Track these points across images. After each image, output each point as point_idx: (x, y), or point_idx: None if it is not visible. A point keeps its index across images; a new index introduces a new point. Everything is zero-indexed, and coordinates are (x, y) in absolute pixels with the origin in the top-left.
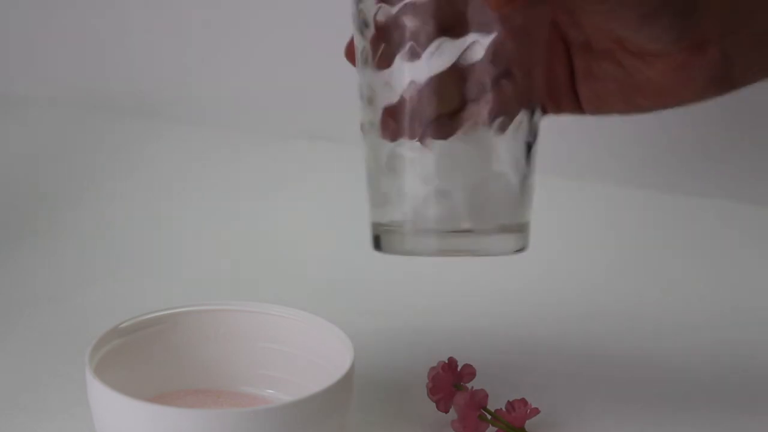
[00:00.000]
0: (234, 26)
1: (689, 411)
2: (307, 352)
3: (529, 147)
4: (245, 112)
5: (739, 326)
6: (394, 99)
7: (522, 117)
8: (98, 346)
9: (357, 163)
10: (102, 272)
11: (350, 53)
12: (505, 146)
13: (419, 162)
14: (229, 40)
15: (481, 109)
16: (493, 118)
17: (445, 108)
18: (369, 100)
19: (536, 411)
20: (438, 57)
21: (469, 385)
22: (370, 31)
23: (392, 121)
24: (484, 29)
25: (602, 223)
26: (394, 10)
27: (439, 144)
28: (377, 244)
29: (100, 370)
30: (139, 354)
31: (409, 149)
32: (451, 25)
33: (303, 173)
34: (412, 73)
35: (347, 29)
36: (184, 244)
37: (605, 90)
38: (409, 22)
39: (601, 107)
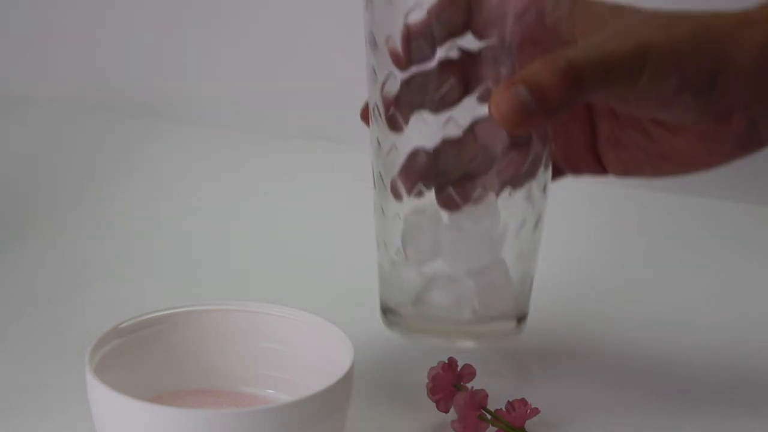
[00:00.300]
0: (234, 26)
1: (690, 411)
2: (307, 352)
3: (535, 226)
4: (245, 112)
5: (739, 326)
6: (399, 160)
7: (528, 188)
8: (98, 346)
9: (357, 163)
10: (102, 272)
11: (365, 116)
12: (510, 219)
13: (422, 237)
14: (229, 40)
15: (489, 179)
16: (500, 188)
17: (449, 174)
18: (379, 151)
19: (536, 411)
20: (443, 125)
21: (469, 385)
22: (382, 92)
23: (403, 182)
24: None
25: (603, 223)
26: (405, 76)
27: (443, 219)
28: (384, 321)
29: (100, 370)
30: (139, 354)
31: (414, 218)
32: (458, 94)
33: (303, 173)
34: (419, 138)
35: (347, 29)
36: (184, 244)
37: (631, 156)
38: (417, 89)
39: (626, 171)
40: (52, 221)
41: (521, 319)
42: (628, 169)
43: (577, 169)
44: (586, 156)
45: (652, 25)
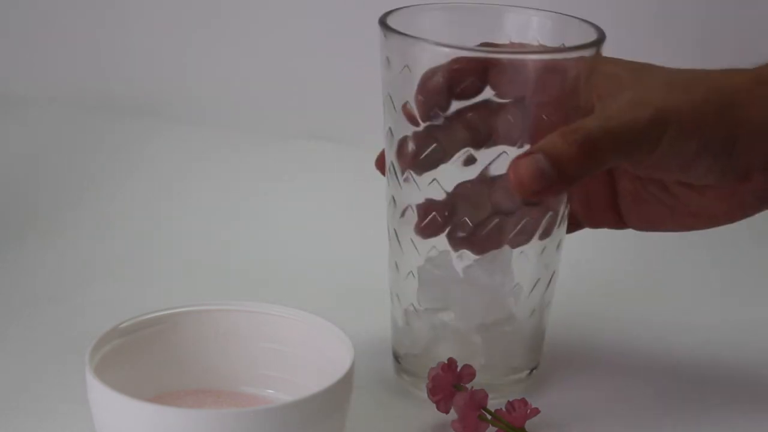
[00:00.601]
0: (234, 26)
1: (690, 411)
2: (307, 352)
3: (548, 283)
4: (245, 112)
5: (741, 327)
6: (414, 219)
7: (543, 246)
8: (98, 346)
9: (357, 163)
10: (102, 272)
11: (381, 165)
12: (522, 272)
13: (435, 286)
14: (229, 40)
15: (502, 232)
16: (514, 245)
17: (463, 230)
18: (394, 210)
19: (536, 411)
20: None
21: (468, 386)
22: (398, 153)
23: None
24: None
25: None
26: (420, 132)
27: (458, 272)
28: (395, 367)
29: (100, 370)
30: (139, 354)
31: (429, 266)
32: (473, 158)
33: (303, 173)
34: (431, 192)
35: (347, 30)
36: (184, 244)
37: (653, 212)
38: (432, 148)
39: (648, 226)
40: (52, 221)
41: (533, 369)
42: (650, 224)
43: (596, 223)
44: (605, 211)
45: (671, 88)
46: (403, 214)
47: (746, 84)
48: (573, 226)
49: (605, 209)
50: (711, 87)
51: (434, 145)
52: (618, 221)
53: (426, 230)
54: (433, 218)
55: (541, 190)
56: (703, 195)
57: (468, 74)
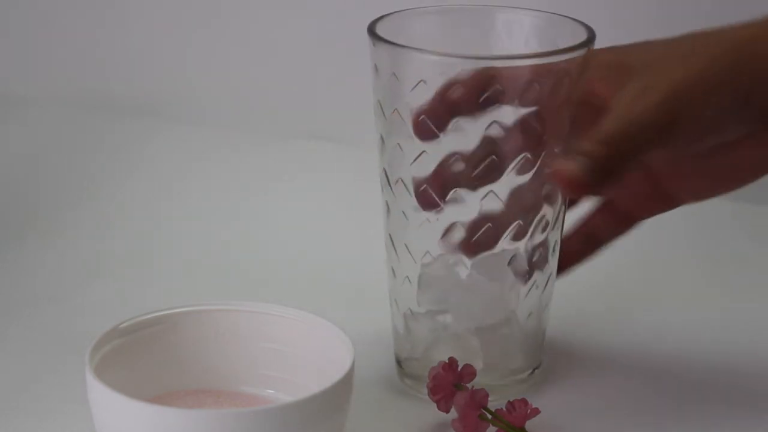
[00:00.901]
0: (234, 26)
1: (689, 411)
2: (307, 352)
3: (546, 285)
4: (245, 112)
5: (739, 326)
6: (408, 225)
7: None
8: (98, 346)
9: (357, 163)
10: (102, 272)
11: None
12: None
13: (435, 288)
14: (230, 40)
15: (495, 236)
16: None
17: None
18: (388, 216)
19: (536, 411)
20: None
21: (469, 385)
22: (390, 161)
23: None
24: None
25: None
26: (412, 158)
27: (459, 275)
28: (398, 371)
29: (100, 370)
30: (139, 354)
31: (430, 269)
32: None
33: (303, 173)
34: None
35: (347, 30)
36: (184, 244)
37: (702, 183)
38: (420, 189)
39: (701, 196)
40: (52, 221)
41: (534, 369)
42: (703, 194)
43: (652, 213)
44: (655, 200)
45: (670, 62)
46: (397, 219)
47: (759, 27)
48: (627, 225)
49: (655, 199)
50: (720, 43)
51: (426, 164)
52: (671, 203)
53: (473, 247)
54: (486, 229)
55: (591, 184)
56: (742, 148)
57: (463, 87)
